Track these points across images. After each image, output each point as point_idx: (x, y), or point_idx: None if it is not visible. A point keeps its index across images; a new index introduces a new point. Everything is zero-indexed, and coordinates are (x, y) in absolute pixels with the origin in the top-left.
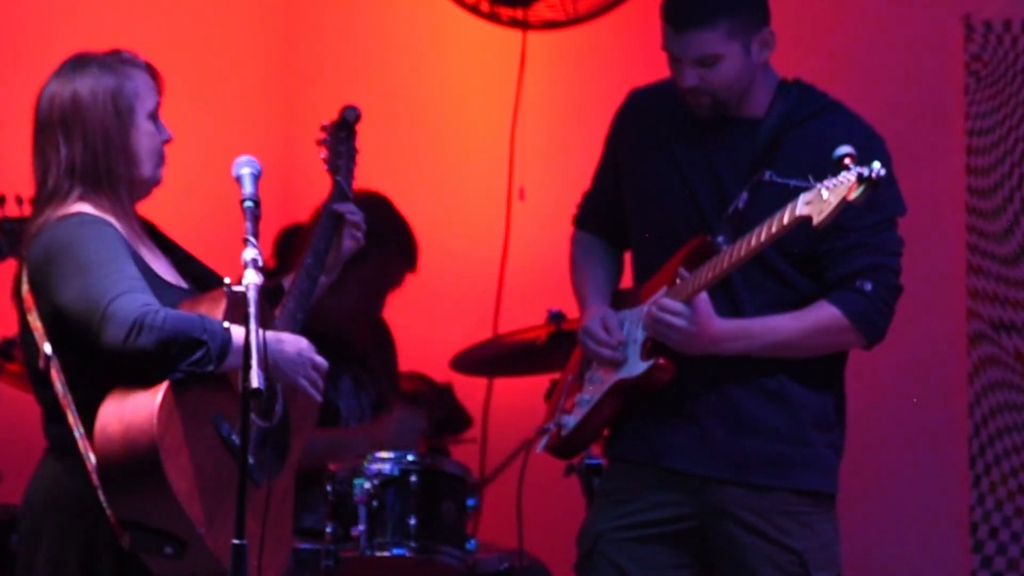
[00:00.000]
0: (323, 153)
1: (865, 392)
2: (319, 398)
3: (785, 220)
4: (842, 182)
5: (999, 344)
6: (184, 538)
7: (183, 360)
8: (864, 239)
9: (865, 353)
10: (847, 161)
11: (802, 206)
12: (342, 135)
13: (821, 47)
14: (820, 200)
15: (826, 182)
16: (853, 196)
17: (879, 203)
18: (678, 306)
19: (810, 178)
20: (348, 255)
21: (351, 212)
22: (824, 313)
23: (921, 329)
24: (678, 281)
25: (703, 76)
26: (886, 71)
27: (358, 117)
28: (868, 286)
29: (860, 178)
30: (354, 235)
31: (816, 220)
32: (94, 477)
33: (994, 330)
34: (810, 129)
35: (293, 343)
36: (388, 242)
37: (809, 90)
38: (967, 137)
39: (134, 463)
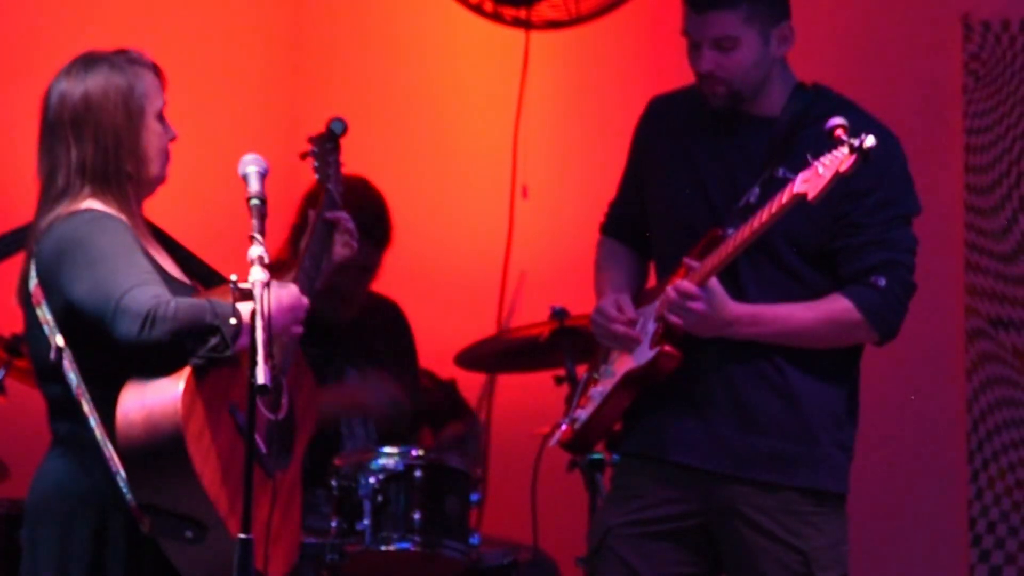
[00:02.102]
0: (313, 163)
1: (864, 388)
2: (299, 329)
3: (784, 199)
4: (836, 156)
5: (997, 340)
6: (205, 522)
7: (198, 348)
8: (878, 235)
9: (865, 349)
10: (839, 132)
11: (800, 184)
12: (329, 146)
13: (820, 47)
14: (816, 177)
15: (822, 159)
16: (844, 168)
17: (894, 200)
18: (694, 288)
19: (808, 157)
20: (340, 262)
21: (345, 220)
22: (838, 306)
23: (920, 325)
24: (688, 272)
25: (719, 62)
26: (885, 70)
27: (344, 129)
28: (882, 282)
29: (852, 148)
30: (347, 243)
31: (811, 195)
32: (111, 465)
33: (992, 327)
34: (823, 127)
35: (287, 294)
36: (356, 221)
37: (826, 92)
38: (966, 136)
39: (158, 447)
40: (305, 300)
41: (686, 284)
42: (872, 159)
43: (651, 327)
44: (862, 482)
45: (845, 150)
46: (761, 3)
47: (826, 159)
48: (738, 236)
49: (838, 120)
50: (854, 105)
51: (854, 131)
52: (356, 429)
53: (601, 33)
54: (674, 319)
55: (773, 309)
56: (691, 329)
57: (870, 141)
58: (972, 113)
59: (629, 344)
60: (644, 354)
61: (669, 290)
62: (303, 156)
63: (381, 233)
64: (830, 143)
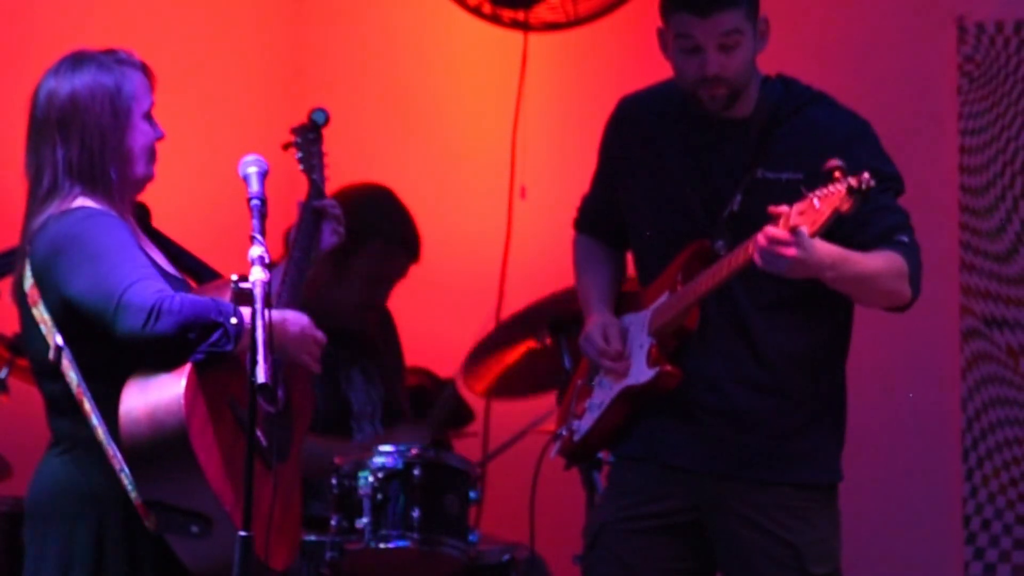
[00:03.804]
0: (296, 154)
1: (860, 386)
2: (318, 369)
3: (780, 234)
4: (832, 192)
5: (991, 340)
6: (211, 516)
7: (201, 342)
8: (885, 203)
9: (859, 348)
10: (837, 175)
11: (795, 216)
12: (311, 137)
13: (815, 48)
14: (813, 210)
15: (817, 192)
16: (846, 208)
17: (889, 175)
18: (785, 234)
19: (802, 189)
20: (330, 249)
21: (332, 207)
22: (892, 256)
23: (915, 325)
24: (679, 288)
25: (723, 63)
26: (881, 72)
27: (326, 120)
28: (905, 238)
29: (850, 190)
30: (336, 230)
31: (810, 231)
32: (114, 463)
33: (986, 326)
34: (797, 123)
35: (295, 321)
36: (388, 233)
37: (792, 83)
38: (960, 136)
39: (162, 444)
40: (319, 333)
41: (776, 231)
42: (855, 144)
43: (645, 341)
44: (857, 480)
45: (843, 189)
46: None
47: (821, 192)
48: (732, 261)
49: (835, 162)
50: (823, 95)
51: (850, 168)
52: (364, 427)
53: (599, 35)
54: (767, 265)
55: (852, 254)
56: (785, 273)
57: (867, 180)
58: (966, 114)
59: (619, 372)
60: (643, 372)
61: (760, 238)
62: (285, 147)
63: (418, 246)
64: (826, 180)
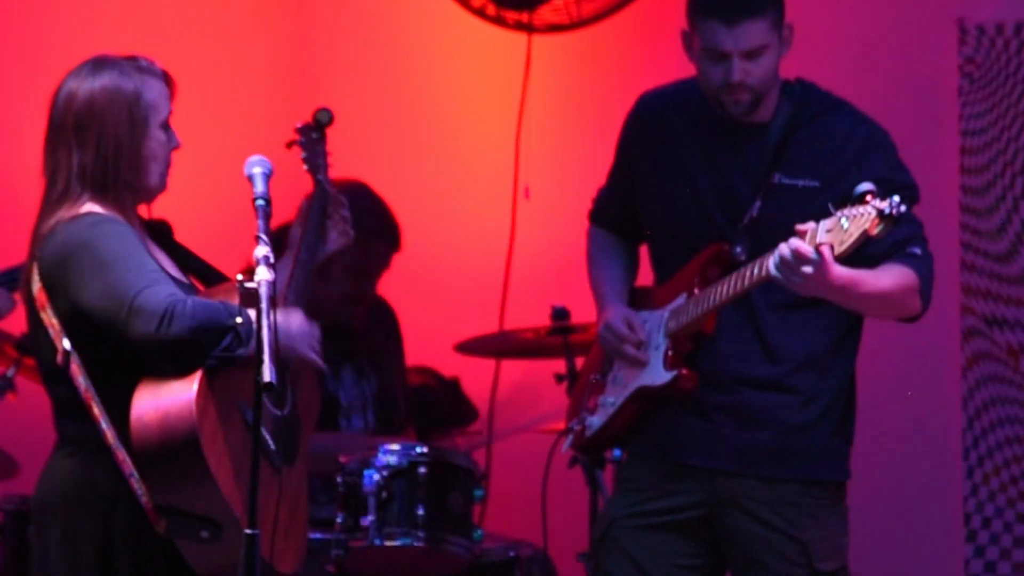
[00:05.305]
0: (301, 153)
1: (861, 386)
2: (323, 366)
3: (806, 252)
4: (862, 214)
5: (992, 339)
6: (221, 522)
7: (214, 346)
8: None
9: (860, 347)
10: (869, 199)
11: (823, 234)
12: (315, 136)
13: (816, 49)
14: (841, 230)
15: (845, 211)
16: (876, 231)
17: (905, 185)
18: (811, 252)
19: (830, 206)
20: (337, 249)
21: (341, 206)
22: (902, 272)
23: (916, 324)
24: (696, 291)
25: (748, 70)
26: (882, 73)
27: (331, 119)
28: (918, 251)
29: (881, 215)
30: (345, 231)
31: (837, 251)
32: (124, 467)
33: (987, 325)
34: (815, 129)
35: (296, 317)
36: (365, 226)
37: (812, 89)
38: (961, 137)
39: (173, 449)
40: (317, 330)
41: (803, 248)
42: (871, 153)
43: (662, 343)
44: (858, 478)
45: (872, 212)
46: (778, 6)
47: (850, 212)
48: (753, 274)
49: (867, 186)
50: (842, 102)
51: (881, 193)
52: (354, 421)
53: (602, 36)
54: (782, 277)
55: (863, 275)
56: (796, 289)
57: (897, 205)
58: (967, 115)
59: (640, 362)
60: (660, 375)
61: (784, 249)
62: (288, 145)
63: (396, 235)
64: (856, 202)
